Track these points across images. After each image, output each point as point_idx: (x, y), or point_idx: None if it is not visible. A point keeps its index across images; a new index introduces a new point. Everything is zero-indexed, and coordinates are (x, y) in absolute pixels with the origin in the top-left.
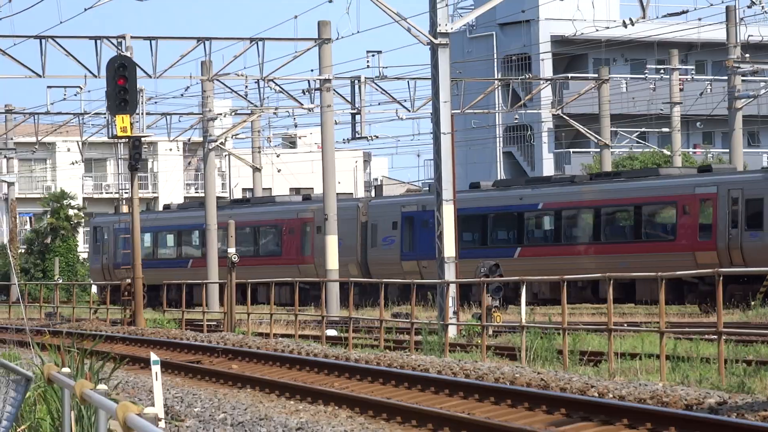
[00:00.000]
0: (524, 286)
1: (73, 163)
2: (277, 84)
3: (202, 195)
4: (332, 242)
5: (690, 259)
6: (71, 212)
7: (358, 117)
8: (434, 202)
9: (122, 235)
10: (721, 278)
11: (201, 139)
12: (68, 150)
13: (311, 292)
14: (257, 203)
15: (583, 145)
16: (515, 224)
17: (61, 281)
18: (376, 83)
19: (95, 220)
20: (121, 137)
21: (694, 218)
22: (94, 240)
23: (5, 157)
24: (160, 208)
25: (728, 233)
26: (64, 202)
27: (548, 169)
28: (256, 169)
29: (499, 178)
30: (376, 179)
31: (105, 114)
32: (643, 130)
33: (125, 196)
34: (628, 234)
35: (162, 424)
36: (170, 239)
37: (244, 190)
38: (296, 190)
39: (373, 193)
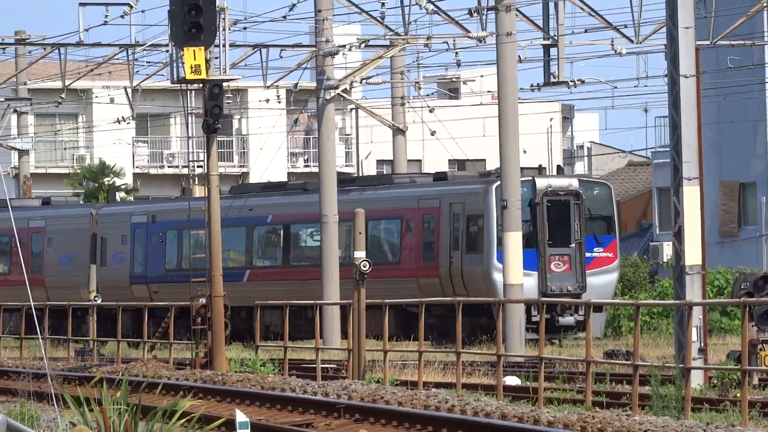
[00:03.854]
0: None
1: (118, 121)
2: (430, 1)
3: (315, 169)
4: (515, 242)
5: (414, 286)
6: (117, 196)
7: (553, 51)
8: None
9: None
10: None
11: (313, 84)
12: (111, 101)
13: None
14: None
15: None
16: (244, 241)
17: (99, 300)
18: (581, 0)
19: None
20: (192, 81)
21: (417, 238)
22: None
23: (15, 110)
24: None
25: (450, 256)
26: (105, 180)
27: None
28: (399, 131)
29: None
30: (581, 145)
31: (167, 47)
32: None
33: (198, 171)
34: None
35: None
36: None
37: (379, 162)
38: (458, 163)
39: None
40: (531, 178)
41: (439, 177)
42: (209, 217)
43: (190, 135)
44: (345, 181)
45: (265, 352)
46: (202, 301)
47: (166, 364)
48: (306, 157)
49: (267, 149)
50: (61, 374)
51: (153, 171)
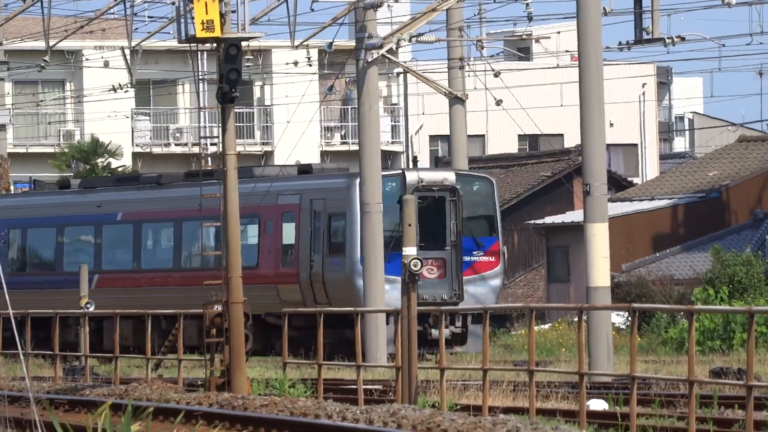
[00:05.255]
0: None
1: (114, 90)
2: None
3: (354, 146)
4: (601, 236)
5: (274, 295)
6: None
7: (647, 2)
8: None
9: None
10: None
11: (352, 43)
12: (105, 65)
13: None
14: None
15: None
16: (92, 242)
17: (92, 308)
18: None
19: None
20: (204, 40)
21: (276, 239)
22: None
23: None
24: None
25: (311, 260)
26: (99, 160)
27: None
28: (457, 100)
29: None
30: (681, 117)
31: None
32: None
33: (211, 149)
34: (214, 259)
35: None
36: None
37: (433, 138)
38: (530, 139)
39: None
40: (400, 172)
41: (304, 170)
42: (225, 208)
43: (201, 106)
44: (193, 174)
45: (295, 370)
46: (218, 308)
47: (174, 385)
48: (343, 132)
49: (295, 123)
50: (46, 397)
51: (156, 150)
